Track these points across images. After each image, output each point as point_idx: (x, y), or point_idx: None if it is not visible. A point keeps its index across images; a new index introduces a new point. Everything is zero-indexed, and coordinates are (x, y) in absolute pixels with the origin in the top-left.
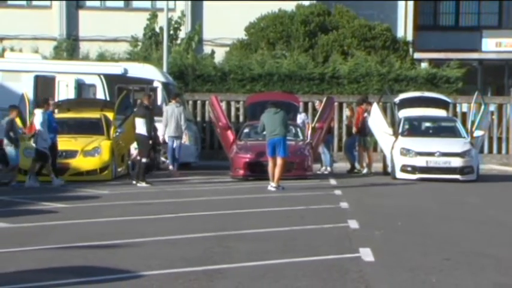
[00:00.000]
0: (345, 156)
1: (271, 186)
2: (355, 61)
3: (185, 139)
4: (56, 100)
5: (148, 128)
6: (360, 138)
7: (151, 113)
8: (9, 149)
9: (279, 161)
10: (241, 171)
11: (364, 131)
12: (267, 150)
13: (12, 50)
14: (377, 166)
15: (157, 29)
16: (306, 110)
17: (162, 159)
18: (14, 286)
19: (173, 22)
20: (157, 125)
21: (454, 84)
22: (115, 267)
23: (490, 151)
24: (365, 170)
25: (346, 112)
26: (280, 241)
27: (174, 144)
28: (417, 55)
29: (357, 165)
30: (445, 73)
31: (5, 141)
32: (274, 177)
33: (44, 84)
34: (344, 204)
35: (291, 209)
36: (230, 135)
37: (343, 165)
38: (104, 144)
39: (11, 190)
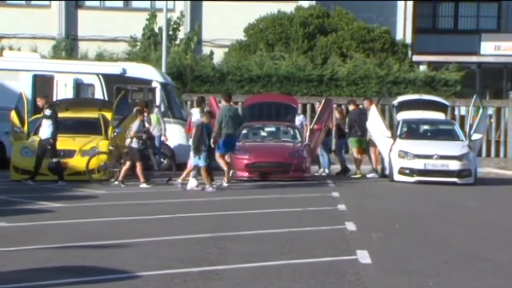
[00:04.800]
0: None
1: (225, 183)
2: (353, 63)
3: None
4: (54, 99)
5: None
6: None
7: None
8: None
9: (230, 156)
10: (239, 173)
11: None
12: (222, 147)
13: (10, 48)
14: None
15: (156, 30)
16: (304, 112)
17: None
18: (11, 285)
19: (172, 22)
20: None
21: (452, 87)
22: (112, 267)
23: (488, 154)
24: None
25: (336, 114)
26: (277, 243)
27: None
28: (416, 58)
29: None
30: (443, 76)
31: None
32: (228, 175)
33: (43, 84)
34: (342, 207)
35: (288, 210)
36: None
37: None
38: (101, 144)
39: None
